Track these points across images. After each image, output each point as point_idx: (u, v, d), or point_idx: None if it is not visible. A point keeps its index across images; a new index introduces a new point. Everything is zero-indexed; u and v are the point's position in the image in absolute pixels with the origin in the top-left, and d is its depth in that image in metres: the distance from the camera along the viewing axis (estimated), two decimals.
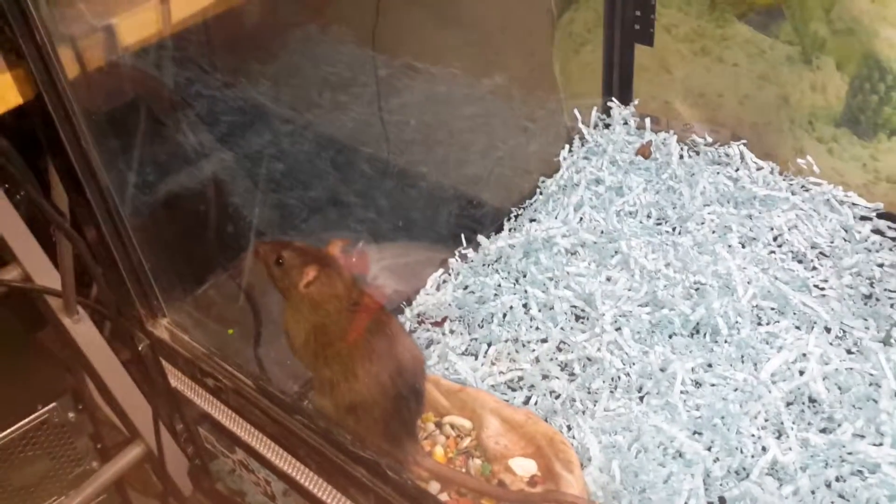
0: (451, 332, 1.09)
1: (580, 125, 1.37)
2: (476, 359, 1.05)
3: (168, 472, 1.06)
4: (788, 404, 0.92)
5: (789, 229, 1.14)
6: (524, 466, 0.87)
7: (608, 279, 1.11)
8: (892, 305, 1.02)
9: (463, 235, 1.22)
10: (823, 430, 0.89)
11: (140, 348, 0.89)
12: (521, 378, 1.01)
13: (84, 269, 0.90)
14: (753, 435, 0.88)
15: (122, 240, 0.80)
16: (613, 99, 1.39)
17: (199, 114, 1.19)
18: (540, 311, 1.09)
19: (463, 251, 1.21)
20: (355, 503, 0.67)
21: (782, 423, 0.89)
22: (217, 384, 0.77)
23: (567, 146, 1.35)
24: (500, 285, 1.14)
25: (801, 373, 0.94)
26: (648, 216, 1.21)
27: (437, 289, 1.17)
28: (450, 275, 1.18)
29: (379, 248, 1.07)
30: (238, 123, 1.33)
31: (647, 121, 1.36)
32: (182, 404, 0.88)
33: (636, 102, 1.38)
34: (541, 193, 1.30)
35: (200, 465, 0.96)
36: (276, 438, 0.73)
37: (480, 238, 1.22)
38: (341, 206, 1.29)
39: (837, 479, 0.84)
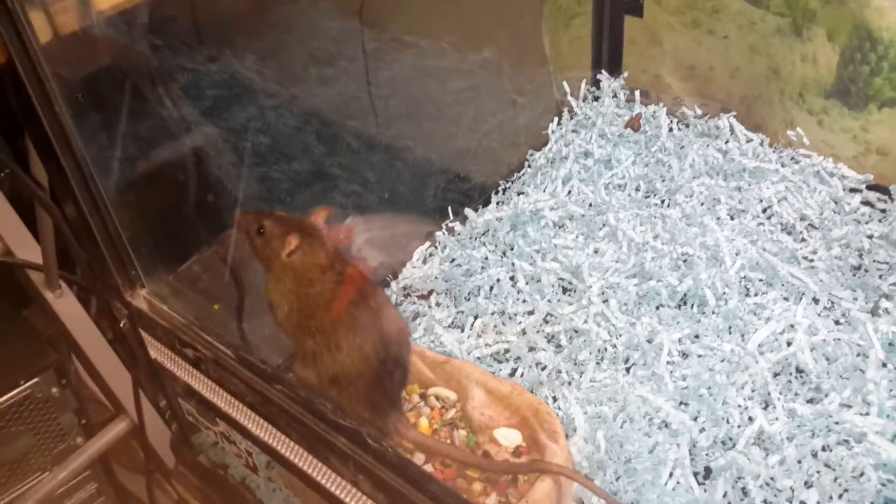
0: (438, 304, 1.08)
1: (569, 98, 1.35)
2: (462, 331, 1.04)
3: (152, 446, 1.06)
4: (776, 375, 0.91)
5: (778, 201, 1.13)
6: (509, 437, 0.87)
7: (596, 251, 1.10)
8: (880, 276, 1.02)
9: (450, 208, 1.21)
10: (810, 401, 0.89)
11: (122, 324, 0.88)
12: (507, 350, 1.01)
13: (67, 244, 0.88)
14: (740, 405, 0.88)
15: (99, 209, 0.78)
16: (603, 72, 1.37)
17: (180, 83, 1.17)
18: (527, 283, 1.08)
19: (450, 224, 1.20)
20: (336, 472, 0.67)
21: (769, 394, 0.89)
22: (196, 355, 0.76)
23: (556, 119, 1.34)
24: (487, 258, 1.13)
25: (789, 343, 0.93)
26: (637, 189, 1.20)
27: (424, 262, 1.16)
28: (436, 248, 1.17)
29: (364, 219, 1.06)
30: (220, 95, 1.31)
31: (637, 93, 1.34)
32: (163, 376, 0.87)
33: (626, 75, 1.36)
34: (529, 166, 1.29)
35: (182, 437, 0.95)
36: (256, 408, 0.72)
37: (468, 211, 1.20)
38: (327, 179, 1.27)
39: (824, 449, 0.84)
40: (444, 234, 1.19)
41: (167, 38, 1.14)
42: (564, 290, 1.07)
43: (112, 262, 0.80)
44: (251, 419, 0.73)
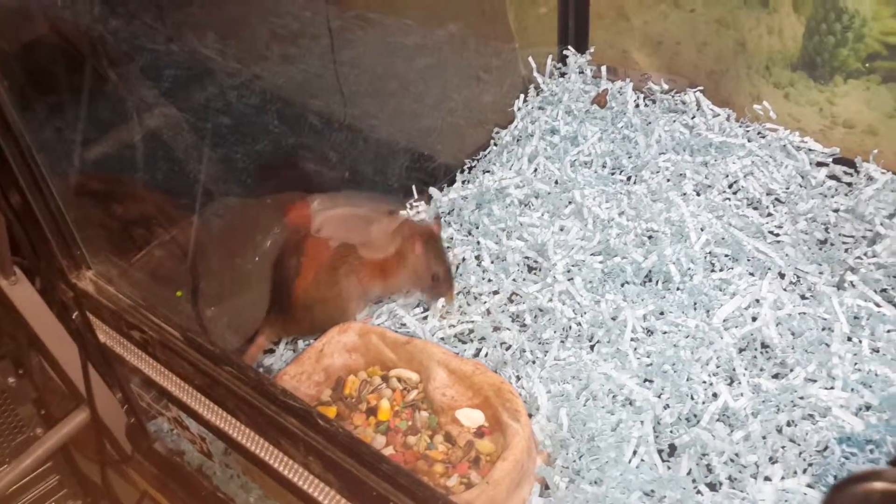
0: None
1: (535, 74, 1.33)
2: (426, 311, 1.02)
3: (111, 434, 1.03)
4: (741, 350, 0.90)
5: (745, 176, 1.12)
6: (471, 417, 0.85)
7: (561, 229, 1.08)
8: (846, 250, 1.01)
9: (414, 188, 1.18)
10: (775, 376, 0.88)
11: (76, 317, 0.84)
12: (471, 330, 0.99)
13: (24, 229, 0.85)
14: (705, 381, 0.87)
15: (40, 188, 0.75)
16: (569, 47, 1.35)
17: (133, 59, 1.13)
18: (492, 262, 1.07)
19: (415, 203, 1.17)
20: (287, 454, 0.64)
21: (734, 370, 0.88)
22: (144, 337, 0.73)
23: (522, 96, 1.31)
24: (452, 237, 1.11)
25: (754, 318, 0.92)
26: (603, 165, 1.18)
27: None
28: None
29: (323, 198, 1.03)
30: (177, 73, 1.28)
31: (604, 69, 1.32)
32: (114, 361, 0.84)
33: (592, 50, 1.34)
34: (495, 144, 1.26)
35: (138, 424, 0.92)
36: (205, 391, 0.70)
37: (432, 190, 1.18)
38: (287, 158, 1.24)
39: (789, 424, 0.83)
40: (408, 213, 1.17)
41: (117, 11, 1.11)
42: (530, 269, 1.05)
43: (55, 243, 0.76)
44: (201, 402, 0.71)
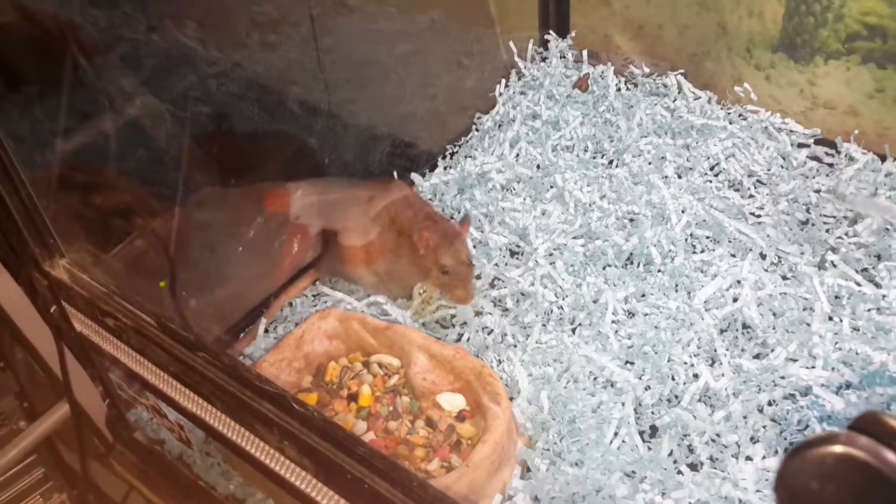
0: None
1: (516, 59, 1.32)
2: (409, 298, 1.01)
3: (96, 425, 1.02)
4: (722, 331, 0.90)
5: (726, 158, 1.12)
6: (452, 401, 0.85)
7: (543, 213, 1.08)
8: (827, 230, 1.01)
9: (396, 173, 1.18)
10: (757, 356, 0.88)
11: (53, 309, 0.83)
12: (453, 316, 0.98)
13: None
14: (685, 362, 0.87)
15: (10, 176, 0.74)
16: (550, 32, 1.34)
17: (107, 47, 1.12)
18: (475, 247, 1.06)
19: None
20: (262, 439, 0.64)
21: (715, 350, 0.88)
22: (117, 324, 0.72)
23: (503, 81, 1.31)
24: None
25: (735, 299, 0.92)
26: (585, 150, 1.18)
27: None
28: None
29: (303, 185, 1.02)
30: (154, 62, 1.26)
31: (584, 54, 1.31)
32: (90, 350, 0.84)
33: (573, 35, 1.33)
34: (477, 130, 1.26)
35: (117, 414, 0.92)
36: (179, 378, 0.69)
37: (414, 176, 1.17)
38: (267, 146, 1.23)
39: (770, 404, 0.83)
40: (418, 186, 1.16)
41: None
42: (512, 254, 1.05)
43: (27, 231, 0.75)
44: (176, 389, 0.70)
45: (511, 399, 0.84)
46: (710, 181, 1.09)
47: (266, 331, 0.97)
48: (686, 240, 1.00)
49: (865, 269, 0.95)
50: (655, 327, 0.90)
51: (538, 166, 1.16)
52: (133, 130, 1.22)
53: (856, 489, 0.27)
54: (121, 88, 1.26)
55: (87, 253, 0.81)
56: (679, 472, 0.77)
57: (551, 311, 0.95)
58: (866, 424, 0.29)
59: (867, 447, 0.27)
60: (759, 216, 1.03)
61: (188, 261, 1.05)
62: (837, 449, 0.28)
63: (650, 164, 1.12)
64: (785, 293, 0.92)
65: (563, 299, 0.95)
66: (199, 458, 0.86)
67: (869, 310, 0.89)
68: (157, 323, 0.69)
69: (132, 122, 1.23)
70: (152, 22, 1.44)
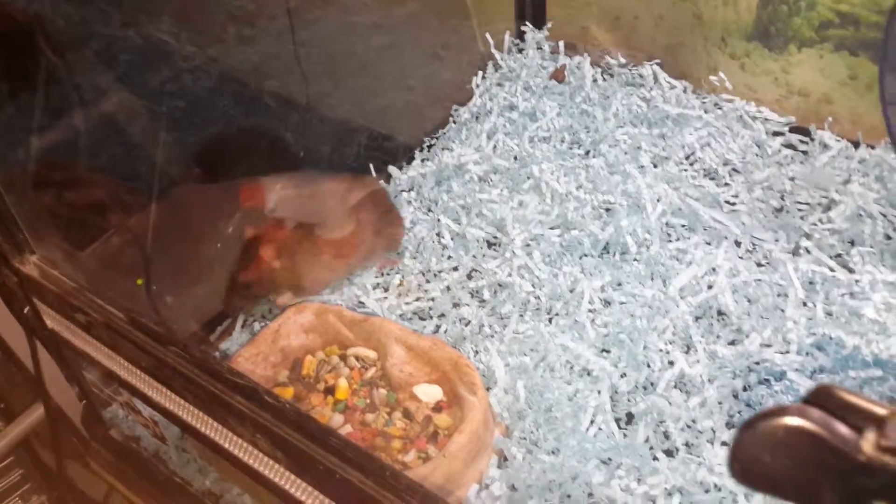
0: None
1: (493, 51, 1.32)
2: (386, 291, 1.01)
3: (74, 424, 1.01)
4: (697, 318, 0.91)
5: (701, 147, 1.12)
6: (429, 392, 0.85)
7: (520, 204, 1.08)
8: (801, 217, 1.01)
9: (373, 166, 1.17)
10: (732, 342, 0.88)
11: (27, 311, 0.82)
12: (431, 308, 0.98)
13: None
14: (661, 350, 0.87)
15: None
16: (527, 23, 1.34)
17: (77, 38, 1.11)
18: (452, 239, 1.06)
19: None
20: (234, 433, 0.64)
21: (690, 337, 0.88)
22: (88, 319, 0.72)
23: (480, 73, 1.31)
24: (411, 216, 1.10)
25: (710, 287, 0.92)
26: (562, 140, 1.18)
27: None
28: None
29: (278, 179, 1.02)
30: (123, 57, 1.25)
31: (561, 44, 1.31)
32: (63, 348, 0.83)
33: (549, 26, 1.33)
34: (454, 122, 1.26)
35: (93, 412, 0.91)
36: (151, 373, 0.69)
37: (391, 168, 1.17)
38: (243, 141, 1.22)
39: (745, 389, 0.83)
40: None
41: None
42: (490, 245, 1.05)
43: None
44: (148, 384, 0.70)
45: (488, 389, 0.84)
46: (686, 170, 1.09)
47: (243, 326, 0.97)
48: (662, 228, 1.00)
49: (839, 255, 0.96)
50: (631, 315, 0.90)
51: (515, 157, 1.16)
52: (106, 126, 1.21)
53: (808, 460, 0.28)
54: (93, 83, 1.25)
55: (59, 249, 0.80)
56: (655, 458, 0.77)
57: (528, 302, 0.95)
58: (820, 398, 0.29)
59: (818, 419, 0.28)
60: (733, 204, 1.04)
61: (164, 257, 1.05)
62: (788, 421, 0.28)
63: (626, 153, 1.13)
64: (759, 280, 0.93)
65: (540, 289, 0.95)
66: (175, 454, 0.86)
67: (842, 295, 0.90)
68: (128, 318, 0.69)
69: (105, 118, 1.22)
70: (126, 16, 1.42)
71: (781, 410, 0.29)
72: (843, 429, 0.27)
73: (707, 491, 0.74)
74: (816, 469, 0.27)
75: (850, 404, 0.28)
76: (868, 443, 0.26)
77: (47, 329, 0.82)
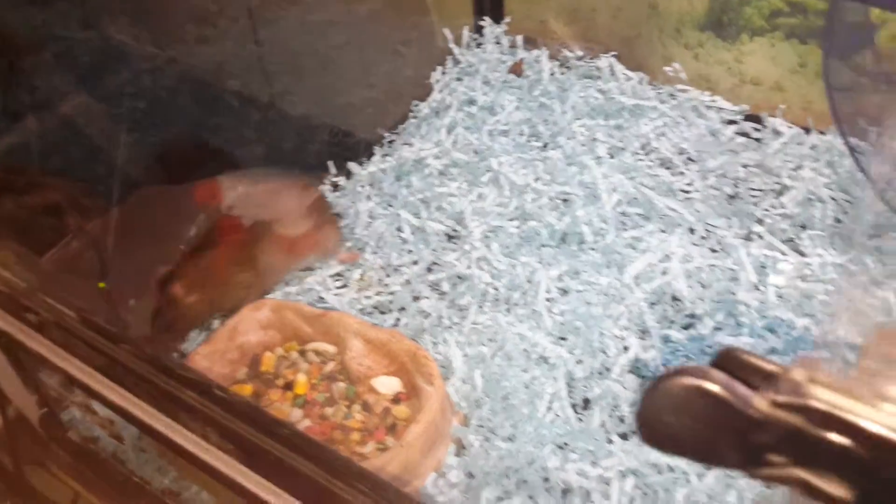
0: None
1: (452, 46, 1.33)
2: (346, 286, 1.02)
3: (32, 428, 1.00)
4: (652, 304, 0.92)
5: (657, 137, 1.13)
6: (387, 384, 0.85)
7: (479, 196, 1.09)
8: (754, 203, 1.03)
9: (333, 163, 1.17)
10: (686, 327, 0.90)
11: None
12: (391, 301, 0.99)
13: None
14: (616, 335, 0.88)
15: None
16: (485, 18, 1.35)
17: (37, 41, 1.10)
18: (413, 233, 1.06)
19: (333, 179, 1.16)
20: (187, 428, 0.64)
21: (645, 323, 0.89)
22: (39, 319, 0.71)
23: (439, 68, 1.31)
24: (371, 211, 1.11)
25: (665, 273, 0.94)
26: (521, 133, 1.19)
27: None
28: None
29: (235, 176, 1.01)
30: (83, 59, 1.25)
31: (519, 39, 1.32)
32: (18, 350, 0.82)
33: (508, 20, 1.34)
34: (414, 117, 1.26)
35: (50, 414, 0.90)
36: (104, 371, 0.68)
37: (351, 165, 1.17)
38: (203, 139, 1.22)
39: None
40: (331, 189, 1.16)
41: None
42: (449, 238, 1.06)
43: None
44: (101, 383, 0.69)
45: (446, 379, 0.85)
46: (642, 160, 1.11)
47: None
48: (617, 218, 1.01)
49: (791, 239, 0.98)
50: (588, 303, 0.92)
51: (475, 151, 1.17)
52: (64, 128, 1.20)
53: (708, 420, 0.29)
54: (51, 85, 1.24)
55: (11, 251, 0.80)
56: (610, 442, 0.78)
57: (487, 293, 0.96)
58: (724, 360, 0.30)
59: (716, 379, 0.29)
60: (688, 192, 1.05)
61: (124, 260, 1.04)
62: (688, 381, 0.29)
63: (583, 145, 1.14)
64: (713, 265, 0.94)
65: (499, 280, 0.96)
66: (133, 453, 0.85)
67: (793, 278, 0.92)
68: (79, 316, 0.68)
69: (63, 120, 1.21)
70: (85, 17, 1.41)
71: (681, 372, 0.29)
72: (739, 388, 0.28)
73: (660, 472, 0.75)
74: (717, 428, 0.28)
75: (748, 364, 0.29)
76: (762, 400, 0.27)
77: (1, 332, 0.81)
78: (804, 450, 0.26)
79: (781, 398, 0.27)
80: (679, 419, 0.29)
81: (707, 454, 0.29)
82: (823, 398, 0.26)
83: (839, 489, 0.26)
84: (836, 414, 0.25)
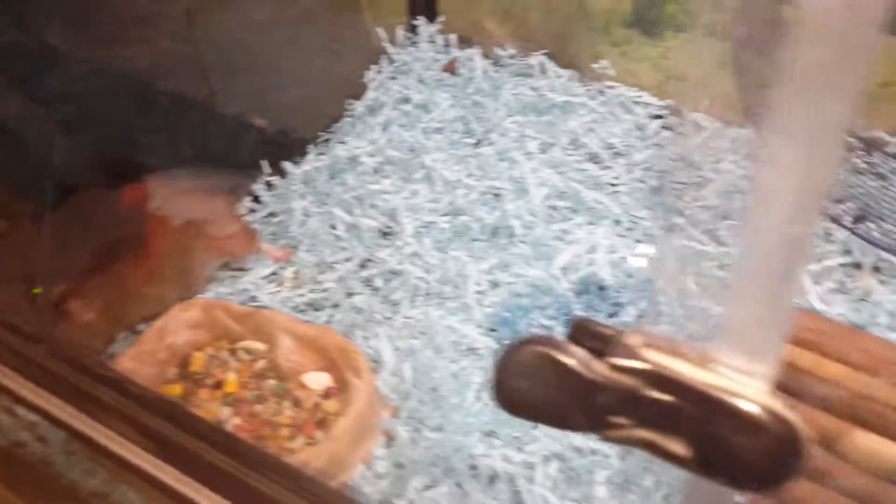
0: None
1: (386, 45, 1.34)
2: (280, 285, 1.02)
3: None
4: (579, 294, 0.94)
5: (585, 132, 1.16)
6: (317, 380, 0.86)
7: (412, 193, 1.10)
8: (677, 195, 1.06)
9: (267, 162, 1.17)
10: (612, 315, 0.92)
11: None
12: (325, 298, 0.99)
13: None
14: (544, 325, 0.90)
15: None
16: (419, 17, 1.36)
17: None
18: (347, 230, 1.07)
19: (267, 178, 1.16)
20: (106, 426, 0.64)
21: (572, 312, 0.91)
22: None
23: (374, 67, 1.32)
24: (305, 210, 1.11)
25: (591, 264, 0.96)
26: (455, 131, 1.20)
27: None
28: (260, 202, 1.14)
29: (163, 177, 1.01)
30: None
31: (454, 37, 1.34)
32: None
33: (442, 19, 1.36)
34: (350, 116, 1.27)
35: None
36: (22, 371, 0.68)
37: (286, 164, 1.17)
38: (132, 141, 1.21)
39: None
40: (265, 188, 1.16)
41: None
42: (384, 235, 1.07)
43: None
44: (21, 384, 0.69)
45: (377, 373, 0.86)
46: (571, 155, 1.13)
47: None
48: (546, 211, 1.03)
49: (710, 230, 1.01)
50: (517, 295, 0.93)
51: (411, 149, 1.18)
52: None
53: (556, 385, 0.30)
54: None
55: None
56: (534, 427, 0.80)
57: (419, 287, 0.97)
58: (576, 330, 0.32)
59: (560, 345, 0.30)
60: (615, 185, 1.08)
61: (60, 263, 1.03)
62: (534, 349, 0.31)
63: (515, 142, 1.16)
64: (637, 255, 0.97)
65: (431, 275, 0.98)
66: (61, 456, 0.84)
67: (712, 267, 0.95)
68: None
69: None
70: (18, 19, 1.39)
71: (529, 340, 0.31)
72: (581, 353, 0.30)
73: (583, 455, 0.77)
74: (564, 392, 0.30)
75: (593, 331, 0.30)
76: (602, 364, 0.29)
77: None
78: (643, 411, 0.28)
79: (618, 361, 0.29)
80: (529, 385, 0.31)
81: (558, 418, 0.31)
82: (654, 360, 0.28)
83: (680, 448, 0.28)
84: (666, 374, 0.27)
